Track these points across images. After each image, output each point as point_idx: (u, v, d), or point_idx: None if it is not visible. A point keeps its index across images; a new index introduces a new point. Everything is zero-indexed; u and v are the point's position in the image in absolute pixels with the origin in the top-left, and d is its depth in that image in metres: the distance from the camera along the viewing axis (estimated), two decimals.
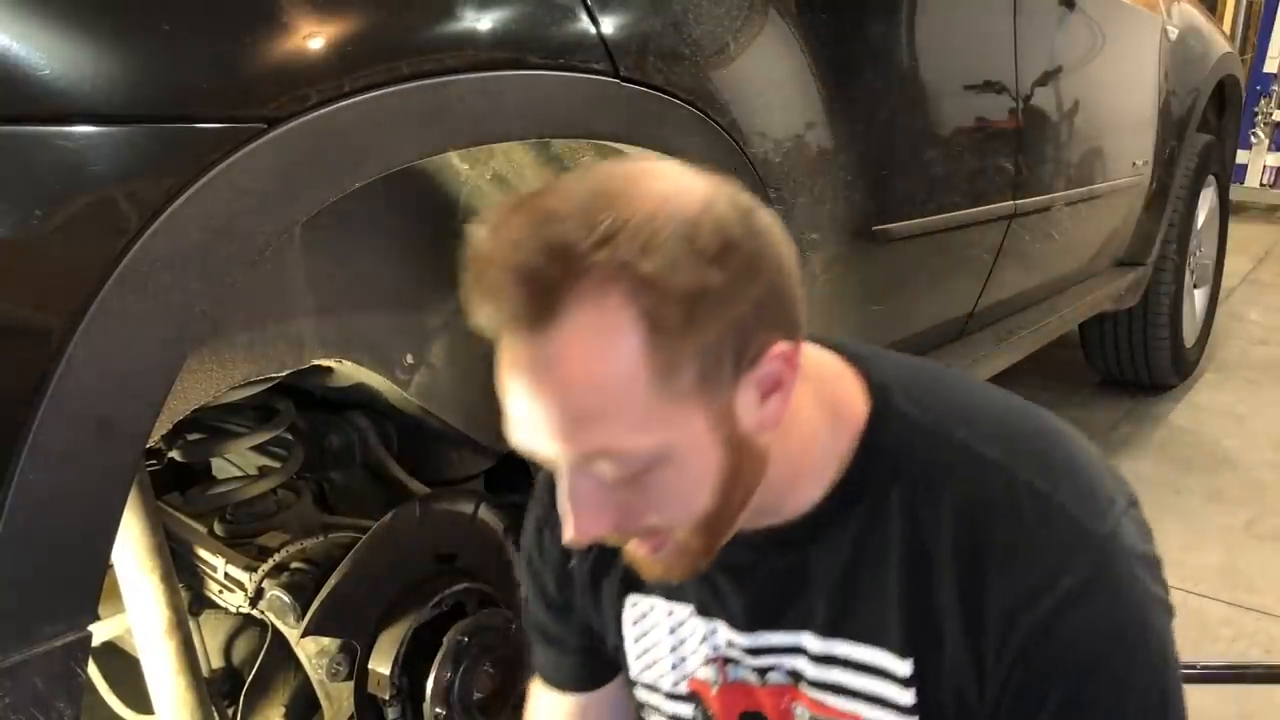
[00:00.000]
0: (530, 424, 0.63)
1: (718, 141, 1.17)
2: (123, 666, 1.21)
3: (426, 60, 0.83)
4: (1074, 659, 0.68)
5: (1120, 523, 0.71)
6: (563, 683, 0.95)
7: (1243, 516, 2.46)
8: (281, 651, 1.18)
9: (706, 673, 0.83)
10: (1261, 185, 6.52)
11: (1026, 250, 2.10)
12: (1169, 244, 2.95)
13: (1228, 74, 3.24)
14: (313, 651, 1.15)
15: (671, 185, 0.63)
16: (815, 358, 0.75)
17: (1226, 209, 3.56)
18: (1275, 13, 6.44)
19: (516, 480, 1.43)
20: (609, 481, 0.65)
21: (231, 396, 1.10)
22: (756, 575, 0.78)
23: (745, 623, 0.80)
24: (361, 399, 1.29)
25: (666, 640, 0.85)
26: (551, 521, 0.86)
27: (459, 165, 1.17)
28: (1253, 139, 6.35)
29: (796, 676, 0.79)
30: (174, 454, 1.22)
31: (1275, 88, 6.35)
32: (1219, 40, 3.25)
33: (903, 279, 1.70)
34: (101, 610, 1.04)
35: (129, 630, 1.06)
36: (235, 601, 1.17)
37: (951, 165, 1.74)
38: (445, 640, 1.18)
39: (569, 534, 0.67)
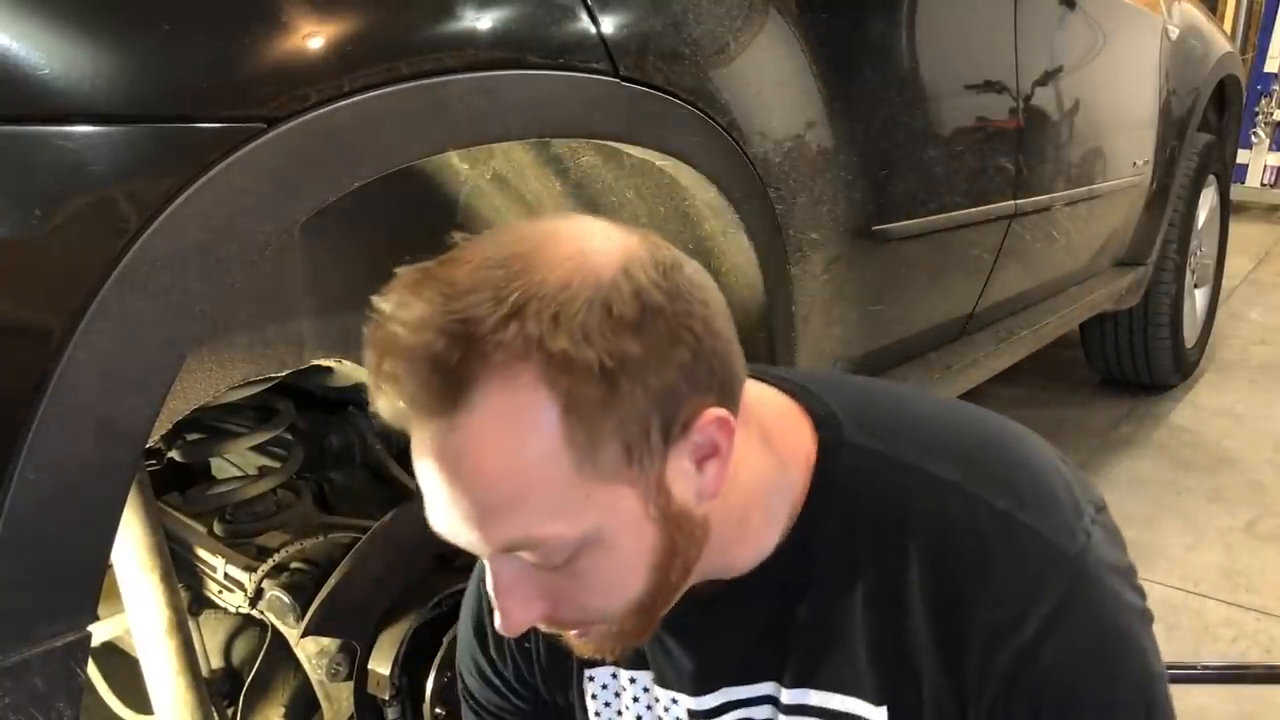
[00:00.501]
0: (445, 514, 0.60)
1: (718, 141, 1.17)
2: (123, 666, 1.21)
3: (426, 60, 0.83)
4: (1057, 685, 0.66)
5: (1090, 535, 0.68)
6: None
7: (1243, 516, 2.46)
8: (281, 651, 1.18)
9: None
10: (1262, 185, 6.52)
11: (1027, 250, 2.10)
12: (1169, 244, 2.95)
13: (1228, 74, 3.24)
14: (313, 651, 1.15)
15: (587, 245, 0.59)
16: (756, 396, 0.70)
17: (1227, 209, 3.56)
18: (1276, 13, 6.44)
19: None
20: (535, 569, 0.62)
21: (231, 396, 1.10)
22: (711, 634, 0.74)
23: (703, 685, 0.76)
24: (361, 399, 1.29)
25: (631, 710, 0.81)
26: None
27: (459, 165, 1.17)
28: (1253, 139, 6.35)
29: None
30: (174, 454, 1.22)
31: (1276, 87, 6.35)
32: (1219, 40, 3.25)
33: (903, 279, 1.70)
34: (101, 610, 1.04)
35: (129, 630, 1.06)
36: (235, 601, 1.17)
37: (951, 165, 1.74)
38: (445, 640, 1.18)
39: (499, 625, 0.63)
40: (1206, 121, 3.18)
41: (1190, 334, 3.28)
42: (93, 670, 1.20)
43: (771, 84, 1.29)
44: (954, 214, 1.75)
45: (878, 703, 0.70)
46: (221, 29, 0.72)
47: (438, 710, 1.17)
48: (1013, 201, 1.94)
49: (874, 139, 1.51)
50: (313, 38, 0.76)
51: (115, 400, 0.67)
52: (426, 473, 0.60)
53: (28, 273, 0.63)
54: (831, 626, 0.71)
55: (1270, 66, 6.39)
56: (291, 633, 1.13)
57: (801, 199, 1.34)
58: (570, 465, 0.58)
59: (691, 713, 0.77)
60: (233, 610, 1.19)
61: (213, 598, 1.20)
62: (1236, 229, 4.07)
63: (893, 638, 0.69)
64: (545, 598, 0.63)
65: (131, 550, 1.01)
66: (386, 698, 1.15)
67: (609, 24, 1.01)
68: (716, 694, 0.76)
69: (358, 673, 1.16)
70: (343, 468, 1.35)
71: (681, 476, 0.62)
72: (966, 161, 1.79)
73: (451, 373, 0.55)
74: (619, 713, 0.82)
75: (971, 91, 1.84)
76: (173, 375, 0.71)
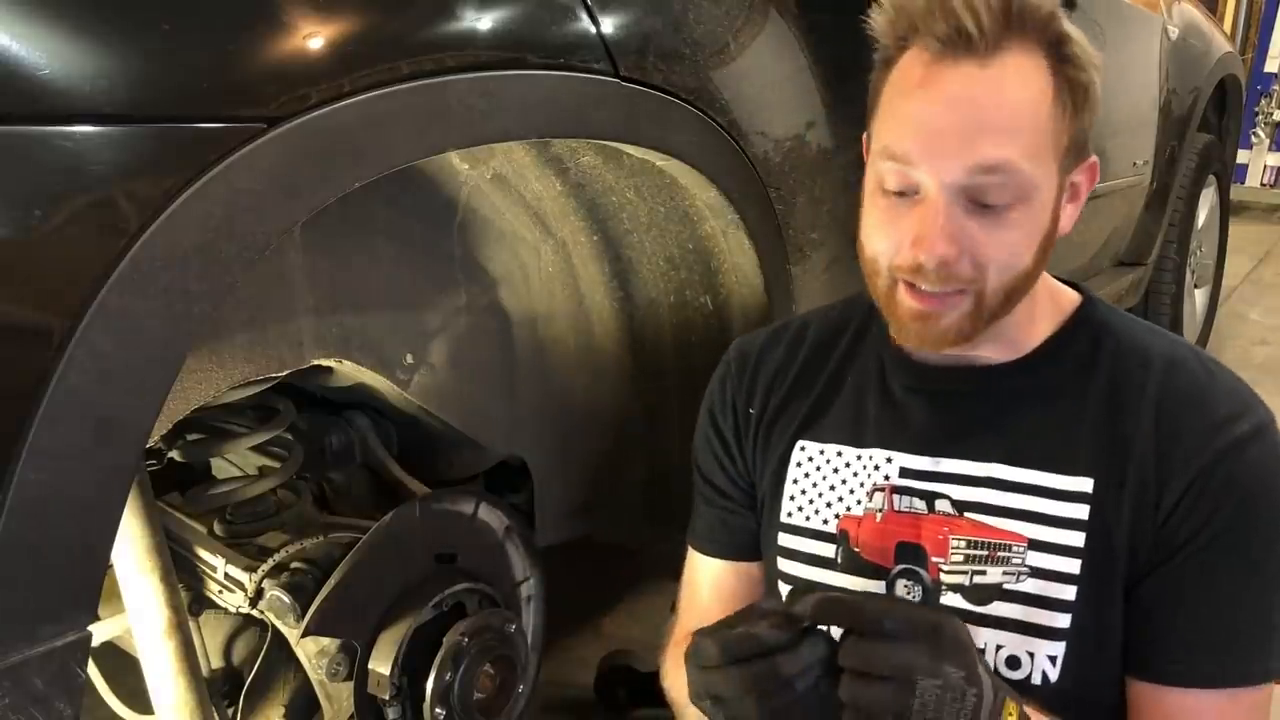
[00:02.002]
0: (951, 131, 0.76)
1: (718, 141, 1.17)
2: (123, 666, 1.21)
3: (426, 60, 0.83)
4: (1238, 496, 0.79)
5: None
6: (719, 549, 1.03)
7: None
8: (281, 651, 1.18)
9: (874, 501, 0.90)
10: (1262, 185, 6.53)
11: None
12: (1169, 244, 2.95)
13: (1228, 74, 3.25)
14: (313, 651, 1.15)
15: None
16: None
17: (1227, 209, 3.56)
18: (1276, 12, 6.45)
19: (516, 480, 1.43)
20: (967, 219, 0.77)
21: (231, 396, 1.10)
22: (957, 403, 0.88)
23: (931, 446, 0.88)
24: (361, 399, 1.29)
25: (829, 479, 0.93)
26: (737, 375, 1.01)
27: (459, 165, 1.17)
28: (1253, 139, 6.36)
29: (962, 507, 0.86)
30: (174, 454, 1.22)
31: (1276, 87, 6.35)
32: (1219, 40, 3.25)
33: None
34: (101, 610, 1.04)
35: (129, 630, 1.06)
36: (235, 601, 1.17)
37: None
38: (445, 640, 1.18)
39: (925, 250, 0.76)
40: (1206, 121, 3.18)
41: (1190, 334, 3.28)
42: (93, 670, 1.20)
43: (771, 84, 1.29)
44: None
45: (1087, 474, 0.83)
46: (221, 29, 0.72)
47: (438, 710, 1.17)
48: None
49: None
50: (313, 38, 0.76)
51: (115, 400, 0.67)
52: (944, 96, 0.76)
53: (28, 273, 0.63)
54: (1061, 414, 0.85)
55: (1270, 66, 6.40)
56: (291, 633, 1.13)
57: (801, 199, 1.34)
58: (1048, 129, 0.78)
59: (903, 469, 0.90)
60: (233, 610, 1.19)
61: (213, 598, 1.20)
62: (1236, 229, 4.07)
63: (1118, 428, 0.83)
64: (961, 246, 0.77)
65: (131, 550, 1.01)
66: (387, 698, 1.15)
67: (609, 24, 1.01)
68: (933, 459, 0.88)
69: (358, 673, 1.16)
70: (343, 468, 1.35)
71: (1061, 201, 0.82)
72: None
73: (1010, 25, 0.75)
74: (814, 483, 0.94)
75: None
76: (173, 375, 0.71)
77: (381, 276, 1.17)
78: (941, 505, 0.87)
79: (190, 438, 1.23)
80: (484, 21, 0.89)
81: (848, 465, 0.92)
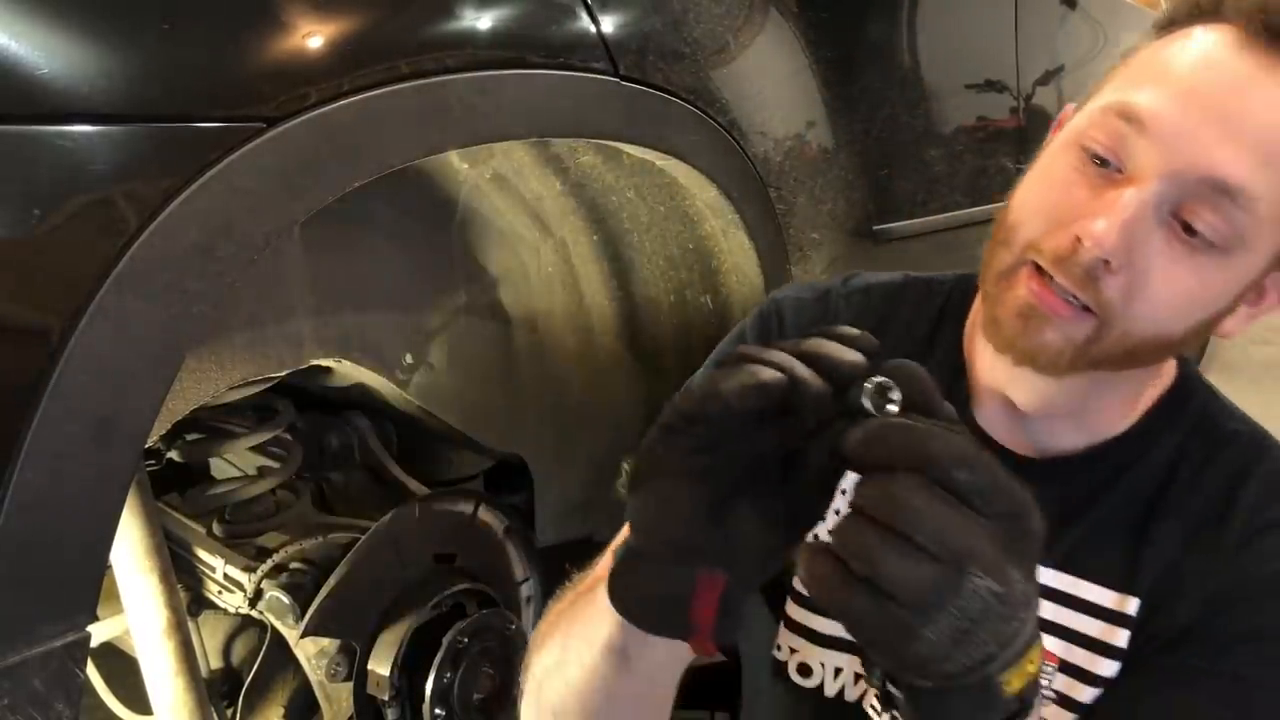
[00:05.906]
0: (1215, 117, 0.62)
1: (718, 141, 1.17)
2: (122, 666, 1.21)
3: (425, 60, 0.83)
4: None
5: None
6: None
7: None
8: (281, 652, 1.18)
9: None
10: None
11: None
12: None
13: None
14: (312, 652, 1.15)
15: None
16: None
17: None
18: None
19: (516, 480, 1.43)
20: (1168, 230, 0.64)
21: (231, 396, 1.10)
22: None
23: None
24: (361, 399, 1.29)
25: None
26: (885, 329, 0.82)
27: (459, 165, 1.17)
28: None
29: None
30: (174, 454, 1.22)
31: None
32: None
33: None
34: (101, 610, 1.04)
35: (129, 630, 1.06)
36: (234, 602, 1.17)
37: (951, 165, 1.74)
38: (445, 641, 1.18)
39: (1095, 235, 0.62)
40: None
41: None
42: (92, 670, 1.20)
43: (771, 84, 1.28)
44: (954, 214, 1.75)
45: (1137, 594, 0.73)
46: (221, 29, 0.71)
47: (437, 710, 1.17)
48: None
49: (874, 139, 1.51)
50: (312, 37, 0.76)
51: (114, 400, 0.67)
52: (1227, 79, 0.63)
53: (27, 273, 0.62)
54: (1129, 520, 0.75)
55: None
56: (291, 633, 1.13)
57: (801, 199, 1.34)
58: None
59: None
60: (232, 610, 1.19)
61: (212, 598, 1.20)
62: None
63: (1197, 554, 0.72)
64: (1130, 256, 0.64)
65: (131, 550, 1.01)
66: (386, 698, 1.15)
67: (609, 23, 1.01)
68: None
69: (357, 673, 1.16)
70: (342, 468, 1.35)
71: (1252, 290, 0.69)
72: (966, 161, 1.79)
73: None
74: None
75: (972, 91, 1.84)
76: (172, 375, 0.71)
77: (381, 276, 1.17)
78: None
79: (190, 438, 1.23)
80: (483, 21, 0.89)
81: None
